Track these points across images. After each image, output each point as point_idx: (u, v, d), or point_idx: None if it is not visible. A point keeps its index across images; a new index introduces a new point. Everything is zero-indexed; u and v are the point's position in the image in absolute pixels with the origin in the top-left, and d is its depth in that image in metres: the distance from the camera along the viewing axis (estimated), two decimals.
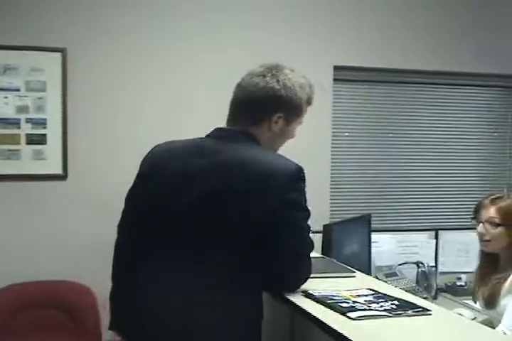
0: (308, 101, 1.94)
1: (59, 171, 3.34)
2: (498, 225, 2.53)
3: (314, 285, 1.89)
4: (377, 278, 3.29)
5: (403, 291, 1.96)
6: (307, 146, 3.66)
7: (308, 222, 2.54)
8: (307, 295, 1.84)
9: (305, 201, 1.77)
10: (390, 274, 3.40)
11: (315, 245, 2.64)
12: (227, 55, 3.49)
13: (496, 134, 4.21)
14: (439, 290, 3.53)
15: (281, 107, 1.85)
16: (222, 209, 1.70)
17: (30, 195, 3.31)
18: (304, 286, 1.87)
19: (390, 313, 1.65)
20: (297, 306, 1.77)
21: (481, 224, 2.58)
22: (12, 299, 3.05)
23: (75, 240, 3.30)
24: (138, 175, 1.90)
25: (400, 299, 1.79)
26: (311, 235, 2.66)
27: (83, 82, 3.35)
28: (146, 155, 1.92)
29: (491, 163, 4.23)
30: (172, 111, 3.46)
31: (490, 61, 4.00)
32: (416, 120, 4.06)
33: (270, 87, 1.83)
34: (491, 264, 2.60)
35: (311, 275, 1.88)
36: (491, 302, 2.49)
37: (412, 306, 1.71)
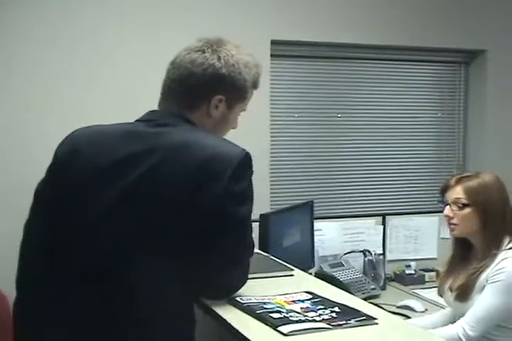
0: (254, 84, 1.69)
1: None
2: (465, 206, 2.31)
3: (245, 287, 1.63)
4: (321, 269, 3.12)
5: (345, 293, 1.73)
6: (243, 128, 3.39)
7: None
8: (233, 303, 1.58)
9: (251, 192, 1.52)
10: (335, 264, 3.22)
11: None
12: (160, 32, 3.18)
13: (440, 114, 4.00)
14: (388, 279, 3.38)
15: (222, 88, 1.60)
16: (153, 203, 1.44)
17: None
18: None
19: (330, 324, 1.40)
20: (220, 318, 1.50)
21: (447, 207, 2.36)
22: None
23: None
24: (51, 164, 1.61)
25: (342, 305, 1.54)
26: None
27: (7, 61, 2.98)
28: (63, 141, 1.64)
29: (441, 143, 4.04)
30: (105, 91, 3.13)
31: (436, 35, 3.78)
32: (361, 99, 3.82)
33: (210, 63, 1.58)
34: (463, 252, 2.40)
35: None
36: (464, 294, 2.26)
37: (355, 314, 1.47)
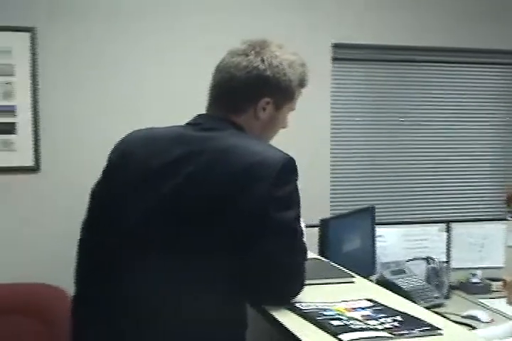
0: (301, 83, 1.68)
1: (30, 163, 3.04)
2: None
3: (304, 294, 1.61)
4: (383, 276, 3.05)
5: (408, 302, 1.68)
6: (303, 133, 3.40)
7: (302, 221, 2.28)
8: (292, 308, 1.55)
9: (297, 197, 1.50)
10: (397, 271, 3.13)
11: (311, 242, 2.39)
12: (213, 35, 3.18)
13: (508, 118, 3.87)
14: (452, 288, 3.26)
15: (268, 91, 1.59)
16: (200, 203, 1.44)
17: None
18: None
19: (392, 334, 1.36)
20: (278, 323, 1.48)
21: None
22: None
23: (48, 239, 3.02)
24: (106, 166, 1.64)
25: (404, 313, 1.50)
26: (306, 230, 2.41)
27: (55, 65, 3.05)
28: (117, 144, 1.66)
29: (509, 148, 3.90)
30: (154, 98, 3.18)
31: (506, 36, 3.67)
32: (425, 103, 3.74)
33: (254, 66, 1.57)
34: None
35: None
36: None
37: (419, 324, 1.42)
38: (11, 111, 3.01)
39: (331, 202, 3.51)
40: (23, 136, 3.02)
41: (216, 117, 1.60)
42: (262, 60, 1.58)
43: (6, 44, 2.99)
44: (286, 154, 1.51)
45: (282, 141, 3.26)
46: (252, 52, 1.59)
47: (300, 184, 3.24)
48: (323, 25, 3.40)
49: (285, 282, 1.51)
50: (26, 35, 2.99)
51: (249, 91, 1.58)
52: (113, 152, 1.64)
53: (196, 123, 1.60)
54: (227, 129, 1.56)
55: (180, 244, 1.46)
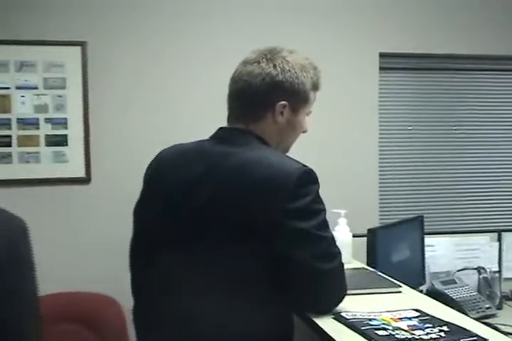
0: (315, 86, 1.69)
1: (81, 174, 3.12)
2: None
3: (350, 303, 1.60)
4: (433, 286, 3.01)
5: (456, 313, 1.65)
6: (352, 142, 3.40)
7: (344, 226, 2.27)
8: (338, 318, 1.54)
9: (319, 205, 1.51)
10: (447, 281, 3.08)
11: (360, 252, 2.38)
12: (257, 43, 3.18)
13: None
14: (504, 298, 3.19)
15: (283, 95, 1.62)
16: (223, 219, 1.48)
17: (51, 200, 3.10)
18: None
19: None
20: (323, 332, 1.48)
21: None
22: None
23: (99, 247, 3.08)
24: (143, 185, 1.71)
25: (451, 324, 1.47)
26: (354, 240, 2.39)
27: (105, 78, 3.13)
28: (150, 163, 1.73)
29: None
30: (200, 108, 3.21)
31: None
32: (474, 112, 3.69)
33: (267, 72, 1.61)
34: None
35: (347, 292, 1.59)
36: None
37: (465, 334, 1.40)
38: (63, 123, 3.09)
39: (380, 211, 3.48)
40: (75, 147, 3.10)
41: (235, 129, 1.63)
42: (274, 66, 1.61)
43: (59, 58, 3.07)
44: (304, 165, 1.52)
45: (330, 151, 3.31)
46: (264, 59, 1.63)
47: (348, 193, 3.26)
48: (369, 35, 3.40)
49: (323, 289, 1.52)
50: (77, 49, 3.07)
51: (266, 96, 1.61)
52: (146, 170, 1.71)
53: (217, 137, 1.64)
54: (246, 142, 1.59)
55: (214, 261, 1.49)
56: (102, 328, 2.88)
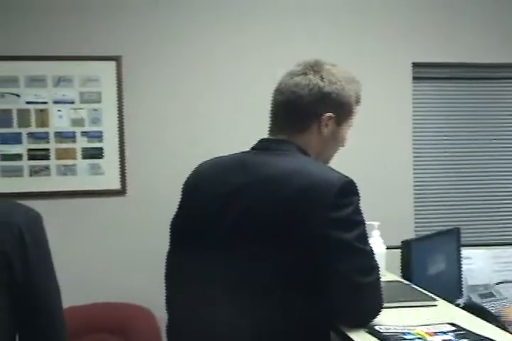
0: (357, 100, 1.70)
1: (117, 186, 3.16)
2: None
3: (384, 317, 1.58)
4: (470, 299, 2.95)
5: (494, 327, 1.61)
6: (385, 153, 3.37)
7: (378, 238, 2.25)
8: (371, 331, 1.52)
9: (359, 216, 1.49)
10: (485, 295, 3.02)
11: (394, 264, 2.35)
12: (292, 55, 3.20)
13: None
14: None
15: (329, 106, 1.61)
16: (261, 230, 1.47)
17: (87, 211, 3.15)
18: None
19: None
20: None
21: None
22: (68, 323, 2.87)
23: (135, 259, 3.11)
24: (181, 196, 1.70)
25: (489, 339, 1.44)
26: (388, 252, 2.37)
27: (140, 92, 3.18)
28: (188, 176, 1.72)
29: None
30: (235, 119, 3.23)
31: None
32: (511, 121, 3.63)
33: (314, 83, 1.60)
34: None
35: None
36: None
37: None
38: (98, 136, 3.14)
39: (415, 223, 3.45)
40: (110, 160, 3.15)
41: (277, 140, 1.63)
42: (321, 78, 1.61)
43: (94, 73, 3.13)
44: (345, 176, 1.50)
45: (363, 162, 3.29)
46: (311, 71, 1.62)
47: (382, 204, 3.23)
48: (402, 45, 3.39)
49: (360, 302, 1.49)
50: (112, 64, 3.13)
51: (313, 107, 1.61)
52: (184, 183, 1.71)
53: (258, 148, 1.64)
54: (288, 152, 1.58)
55: (250, 272, 1.48)
56: (136, 338, 2.90)
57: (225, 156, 1.69)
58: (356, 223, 1.47)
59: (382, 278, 2.15)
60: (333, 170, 1.53)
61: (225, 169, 1.61)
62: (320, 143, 1.64)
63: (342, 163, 3.07)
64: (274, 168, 1.52)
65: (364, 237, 1.49)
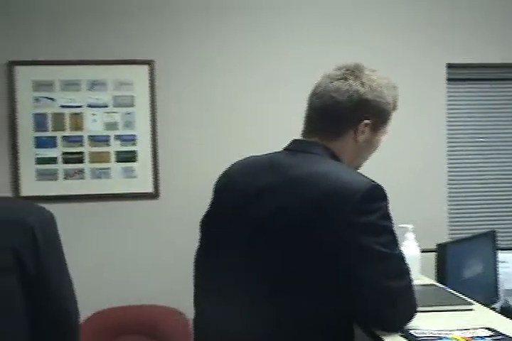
0: (395, 106, 1.68)
1: (150, 189, 3.18)
2: None
3: (419, 321, 1.56)
4: (507, 303, 2.90)
5: None
6: (419, 155, 3.34)
7: (412, 241, 2.22)
8: (407, 335, 1.50)
9: (387, 222, 1.46)
10: None
11: (429, 267, 2.32)
12: (325, 59, 3.19)
13: None
14: None
15: (368, 113, 1.60)
16: (287, 231, 1.45)
17: (121, 214, 3.17)
18: None
19: None
20: None
21: None
22: (100, 326, 2.90)
23: (168, 262, 3.12)
24: (212, 196, 1.71)
25: None
26: (423, 255, 2.34)
27: (173, 95, 3.20)
28: (221, 175, 1.72)
29: None
30: (268, 122, 3.22)
31: None
32: None
33: (354, 90, 1.58)
34: None
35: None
36: None
37: None
38: (132, 140, 3.17)
39: (450, 225, 3.41)
40: (143, 163, 3.17)
41: (309, 142, 1.61)
42: (362, 84, 1.59)
43: (127, 77, 3.16)
44: (372, 181, 1.48)
45: (397, 163, 3.26)
46: (351, 76, 1.60)
47: (416, 207, 3.20)
48: (437, 46, 3.35)
49: (392, 307, 1.48)
50: (145, 68, 3.15)
51: (352, 114, 1.59)
52: (217, 183, 1.71)
53: (290, 149, 1.63)
54: (317, 155, 1.57)
55: (276, 274, 1.47)
56: (170, 340, 2.91)
57: (256, 156, 1.69)
58: (383, 228, 1.45)
59: (417, 282, 2.13)
60: (361, 174, 1.51)
61: (255, 169, 1.61)
62: (354, 150, 1.62)
63: (376, 165, 3.04)
64: (302, 170, 1.51)
65: (392, 242, 1.46)
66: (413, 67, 3.34)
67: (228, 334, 1.53)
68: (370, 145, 1.65)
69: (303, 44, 3.27)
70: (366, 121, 1.59)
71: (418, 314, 1.57)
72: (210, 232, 1.65)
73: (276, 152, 1.66)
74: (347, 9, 3.31)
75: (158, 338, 2.93)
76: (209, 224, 1.66)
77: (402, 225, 2.39)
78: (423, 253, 2.36)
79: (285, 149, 1.65)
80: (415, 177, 3.33)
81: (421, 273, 2.33)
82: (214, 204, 1.67)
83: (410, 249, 2.32)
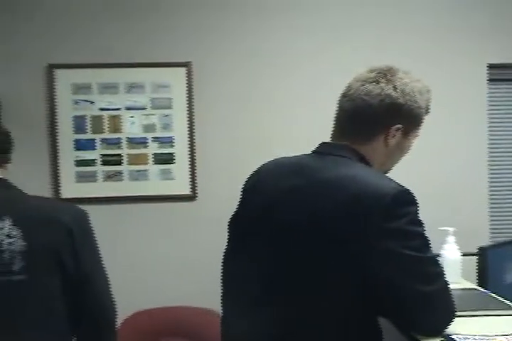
0: (427, 110, 1.65)
1: (187, 191, 3.19)
2: None
3: (460, 325, 1.53)
4: None
5: None
6: (459, 156, 3.29)
7: (453, 244, 2.18)
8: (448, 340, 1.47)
9: (416, 227, 1.43)
10: None
11: (470, 271, 2.28)
12: (363, 59, 3.16)
13: None
14: None
15: (399, 117, 1.57)
16: (314, 234, 1.44)
17: (158, 216, 3.19)
18: None
19: None
20: None
21: None
22: (138, 327, 2.92)
23: (205, 264, 3.11)
24: (241, 197, 1.72)
25: None
26: (463, 258, 2.30)
27: (210, 97, 3.20)
28: (251, 174, 1.73)
29: None
30: (306, 124, 3.20)
31: None
32: None
33: (386, 94, 1.55)
34: None
35: (457, 314, 1.52)
36: None
37: None
38: (169, 142, 3.18)
39: (491, 229, 3.34)
40: (181, 165, 3.18)
41: (338, 145, 1.60)
42: (395, 88, 1.56)
43: (165, 79, 3.18)
44: (400, 185, 1.45)
45: (437, 165, 3.21)
46: (383, 79, 1.57)
47: (457, 210, 3.14)
48: (477, 46, 3.29)
49: (425, 312, 1.44)
50: (183, 70, 3.16)
51: (383, 118, 1.56)
52: (245, 183, 1.71)
53: (318, 151, 1.62)
54: (347, 159, 1.55)
55: (302, 275, 1.46)
56: None
57: (285, 158, 1.68)
58: (413, 233, 1.42)
59: (458, 286, 2.10)
60: (390, 179, 1.49)
61: (283, 171, 1.61)
62: (384, 154, 1.60)
63: (414, 166, 3.02)
64: (330, 173, 1.50)
65: (423, 245, 1.43)
66: (454, 68, 3.29)
67: (251, 334, 1.53)
68: (400, 150, 1.62)
69: (341, 45, 3.24)
70: (398, 126, 1.57)
71: (459, 319, 1.54)
72: (237, 233, 1.65)
73: (305, 154, 1.64)
74: (387, 11, 3.27)
75: (197, 340, 2.93)
76: (236, 224, 1.67)
77: (442, 228, 2.36)
78: (464, 257, 2.32)
79: (313, 152, 1.64)
80: (456, 179, 3.27)
81: (462, 277, 2.29)
82: (242, 204, 1.68)
83: (451, 252, 2.29)
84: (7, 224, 1.69)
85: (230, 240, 1.68)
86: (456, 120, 3.28)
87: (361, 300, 1.43)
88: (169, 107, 3.18)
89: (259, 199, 1.60)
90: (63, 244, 1.71)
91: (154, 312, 3.02)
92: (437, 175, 3.23)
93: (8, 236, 1.68)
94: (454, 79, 3.28)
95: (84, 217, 1.81)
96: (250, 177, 1.71)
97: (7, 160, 1.84)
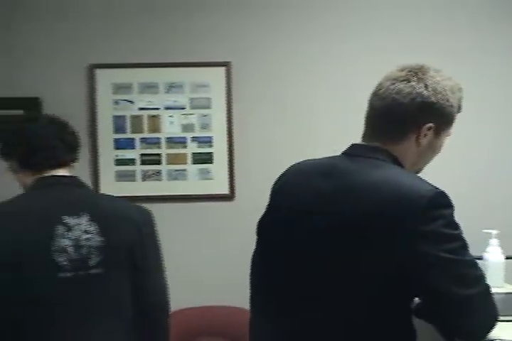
0: (459, 109, 1.62)
1: (226, 191, 3.19)
2: None
3: (504, 330, 1.49)
4: None
5: None
6: (504, 158, 3.21)
7: (496, 247, 2.13)
8: None
9: (452, 229, 1.40)
10: None
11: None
12: (402, 56, 3.12)
13: None
14: None
15: (431, 116, 1.55)
16: (346, 237, 1.42)
17: (197, 216, 3.20)
18: None
19: None
20: None
21: None
22: (177, 327, 2.92)
23: (241, 263, 3.10)
24: (270, 196, 1.71)
25: None
26: (507, 262, 2.25)
27: (248, 97, 3.19)
28: (280, 175, 1.73)
29: None
30: (347, 124, 3.16)
31: None
32: None
33: (418, 92, 1.53)
34: None
35: (500, 318, 1.48)
36: None
37: None
38: (208, 141, 3.18)
39: None
40: (219, 165, 3.18)
41: (370, 147, 1.57)
42: (426, 86, 1.54)
43: (204, 78, 3.18)
44: (435, 187, 1.42)
45: (480, 166, 3.15)
46: (414, 78, 1.55)
47: (501, 212, 3.07)
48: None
49: (464, 316, 1.41)
50: (222, 70, 3.16)
51: (414, 117, 1.54)
52: (274, 185, 1.71)
53: (349, 153, 1.60)
54: (378, 160, 1.53)
55: (333, 279, 1.44)
56: None
57: (316, 159, 1.66)
58: (449, 236, 1.39)
59: (501, 290, 2.05)
60: (424, 181, 1.46)
61: (311, 172, 1.59)
62: (416, 153, 1.57)
63: (456, 167, 2.96)
64: (363, 176, 1.47)
65: (461, 248, 1.40)
66: (500, 64, 3.23)
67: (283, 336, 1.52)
68: (432, 149, 1.60)
69: (378, 49, 3.19)
70: (429, 125, 1.54)
71: (503, 323, 1.50)
72: (265, 235, 1.65)
73: (335, 156, 1.63)
74: (425, 13, 3.23)
75: (235, 339, 2.93)
76: (264, 226, 1.66)
77: (486, 230, 2.30)
78: (508, 260, 2.27)
79: (344, 153, 1.61)
80: (499, 180, 3.20)
81: (506, 281, 2.24)
82: (270, 206, 1.67)
83: (494, 255, 2.24)
84: (84, 220, 1.75)
85: (258, 243, 1.67)
86: (502, 118, 3.21)
87: (397, 302, 1.42)
88: (208, 107, 3.19)
89: (287, 201, 1.59)
90: (135, 241, 1.81)
91: (190, 312, 3.02)
92: (479, 175, 3.12)
93: (86, 231, 1.74)
94: (501, 75, 3.22)
95: (151, 217, 1.92)
96: (278, 179, 1.70)
97: (75, 159, 1.94)
